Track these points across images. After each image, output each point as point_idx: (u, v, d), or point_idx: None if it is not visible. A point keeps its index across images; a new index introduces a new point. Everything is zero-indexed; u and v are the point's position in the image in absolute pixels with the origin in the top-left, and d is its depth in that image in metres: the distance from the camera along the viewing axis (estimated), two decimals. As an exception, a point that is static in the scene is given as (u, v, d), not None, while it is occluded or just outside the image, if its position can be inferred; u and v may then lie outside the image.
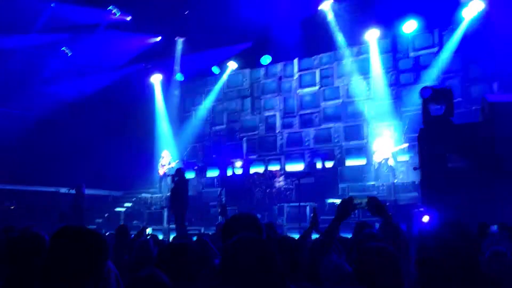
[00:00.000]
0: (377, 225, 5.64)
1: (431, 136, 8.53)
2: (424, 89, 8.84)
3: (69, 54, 16.75)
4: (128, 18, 16.15)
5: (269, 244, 1.95)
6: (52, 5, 14.73)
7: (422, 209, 8.00)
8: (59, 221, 10.80)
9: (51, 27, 15.17)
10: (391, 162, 12.42)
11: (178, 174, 11.64)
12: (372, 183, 12.63)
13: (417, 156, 9.66)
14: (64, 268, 1.93)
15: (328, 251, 3.23)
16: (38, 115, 15.13)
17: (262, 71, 17.04)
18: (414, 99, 12.88)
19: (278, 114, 16.29)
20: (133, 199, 15.78)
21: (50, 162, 14.33)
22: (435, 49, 13.73)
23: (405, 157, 13.04)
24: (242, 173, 14.97)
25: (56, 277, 1.92)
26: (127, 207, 15.62)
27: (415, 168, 9.15)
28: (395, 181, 12.09)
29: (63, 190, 13.73)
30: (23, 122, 14.94)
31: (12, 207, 13.32)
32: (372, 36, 14.42)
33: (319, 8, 14.92)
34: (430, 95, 8.61)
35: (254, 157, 16.15)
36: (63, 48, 16.61)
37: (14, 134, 14.16)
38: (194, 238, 6.55)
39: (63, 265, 1.93)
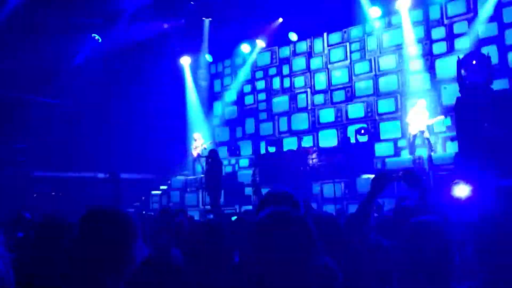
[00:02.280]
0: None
1: (468, 105, 8.26)
2: (464, 56, 8.53)
3: (100, 41, 16.93)
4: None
5: (304, 218, 1.88)
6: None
7: (457, 181, 7.79)
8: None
9: (79, 13, 15.31)
10: (426, 135, 12.10)
11: (211, 155, 11.70)
12: (408, 156, 12.38)
13: (454, 127, 9.40)
14: (92, 249, 1.92)
15: (363, 228, 3.12)
16: (72, 103, 15.41)
17: (290, 48, 16.81)
18: (449, 69, 12.47)
19: (309, 91, 16.10)
20: (168, 182, 15.98)
21: (86, 149, 14.63)
22: (470, 15, 13.18)
23: (441, 128, 12.73)
24: (275, 151, 14.93)
25: (85, 259, 1.91)
26: (163, 190, 15.85)
27: (452, 139, 8.91)
28: (432, 153, 11.80)
29: (101, 175, 14.04)
30: (58, 110, 15.26)
31: (53, 193, 13.68)
32: (403, 5, 13.95)
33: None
34: (468, 63, 8.30)
35: (287, 135, 16.11)
36: (93, 35, 16.79)
37: (50, 122, 14.49)
38: (233, 218, 6.57)
39: (91, 246, 1.93)
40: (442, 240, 2.35)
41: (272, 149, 15.12)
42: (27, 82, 14.45)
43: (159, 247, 4.08)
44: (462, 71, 8.68)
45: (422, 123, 12.07)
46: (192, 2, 16.27)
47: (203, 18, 17.34)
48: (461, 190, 6.48)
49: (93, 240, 1.95)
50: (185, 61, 18.20)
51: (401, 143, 13.44)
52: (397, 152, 13.39)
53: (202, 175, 14.07)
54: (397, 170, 4.47)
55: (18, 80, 14.38)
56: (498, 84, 10.04)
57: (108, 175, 13.39)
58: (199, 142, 15.70)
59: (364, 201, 3.04)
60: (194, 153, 15.70)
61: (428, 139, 12.07)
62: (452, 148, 11.60)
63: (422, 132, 12.10)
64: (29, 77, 14.33)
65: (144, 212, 11.67)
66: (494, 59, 11.10)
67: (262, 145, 16.20)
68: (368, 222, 3.19)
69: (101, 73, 16.25)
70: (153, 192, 15.78)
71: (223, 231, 3.24)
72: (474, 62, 8.94)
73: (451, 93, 11.82)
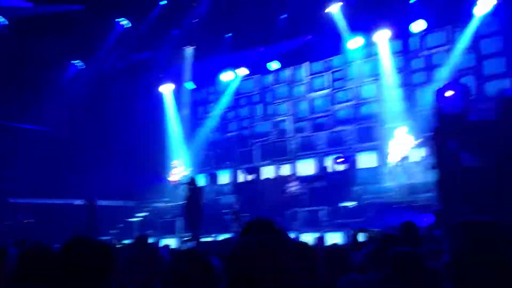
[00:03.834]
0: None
1: (446, 134, 8.38)
2: (442, 87, 8.69)
3: (83, 67, 16.88)
4: (135, 29, 16.20)
5: (274, 245, 1.86)
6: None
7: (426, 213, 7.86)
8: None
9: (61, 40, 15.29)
10: (409, 162, 12.19)
11: (192, 182, 11.59)
12: (388, 184, 12.44)
13: (432, 156, 9.50)
14: (73, 277, 1.93)
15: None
16: (51, 129, 15.23)
17: (272, 76, 16.96)
18: (427, 99, 12.69)
19: (289, 119, 16.19)
20: (146, 209, 15.74)
21: (63, 175, 14.40)
22: (447, 47, 13.52)
23: (419, 157, 12.86)
24: (254, 179, 14.88)
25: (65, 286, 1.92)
26: (141, 217, 15.59)
27: (433, 167, 8.98)
28: (411, 181, 11.89)
29: (77, 202, 13.78)
30: (36, 136, 15.05)
31: (25, 221, 13.35)
32: (383, 36, 14.27)
33: (327, 11, 14.80)
34: (446, 93, 8.46)
35: (266, 162, 16.10)
36: (76, 61, 16.75)
37: (27, 148, 14.26)
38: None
39: (72, 274, 1.94)
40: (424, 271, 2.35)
41: (250, 177, 15.08)
42: (5, 108, 14.29)
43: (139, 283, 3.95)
44: (440, 101, 8.83)
45: (405, 150, 12.16)
46: (174, 31, 16.39)
47: (186, 46, 17.45)
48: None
49: (72, 268, 1.96)
50: (167, 88, 18.20)
51: (381, 171, 13.51)
52: (376, 180, 13.44)
53: (181, 202, 13.90)
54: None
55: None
56: (475, 114, 10.22)
57: (85, 202, 13.26)
58: (179, 169, 15.59)
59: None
60: (174, 180, 15.54)
61: (407, 167, 12.15)
62: (429, 176, 11.68)
63: (404, 158, 12.18)
64: (9, 103, 14.21)
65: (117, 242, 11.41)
66: (472, 89, 11.35)
67: (241, 172, 16.14)
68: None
69: (81, 100, 16.17)
70: (131, 219, 15.49)
71: (210, 262, 3.15)
72: (451, 92, 9.12)
73: (429, 122, 12.01)
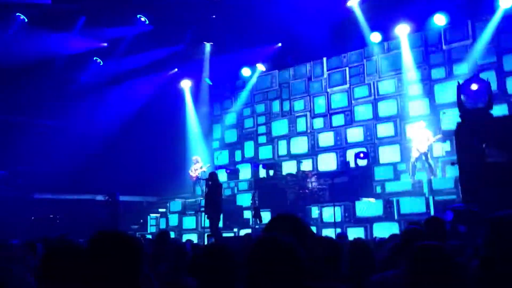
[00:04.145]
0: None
1: (469, 130, 8.30)
2: (464, 82, 8.61)
3: (101, 64, 17.10)
4: (153, 26, 16.32)
5: (292, 245, 1.91)
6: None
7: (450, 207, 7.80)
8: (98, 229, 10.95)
9: (82, 38, 15.52)
10: (429, 157, 12.08)
11: (211, 178, 11.67)
12: (409, 180, 12.37)
13: (454, 151, 9.43)
14: (101, 273, 1.92)
15: None
16: (73, 126, 15.47)
17: (290, 72, 16.95)
18: (447, 94, 12.58)
19: (308, 114, 16.17)
20: (167, 204, 15.91)
21: (86, 171, 14.61)
22: (469, 41, 13.34)
23: (441, 153, 12.75)
24: (274, 175, 14.92)
25: (94, 282, 1.90)
26: (162, 213, 15.76)
27: (452, 163, 8.92)
28: (432, 177, 11.81)
29: (99, 197, 13.98)
30: (59, 133, 15.30)
31: (51, 216, 13.60)
32: (402, 31, 14.13)
33: (347, 4, 14.71)
34: (467, 88, 8.38)
35: (286, 157, 16.13)
36: (95, 58, 16.97)
37: (50, 145, 14.51)
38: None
39: (100, 269, 1.93)
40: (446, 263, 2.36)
41: (271, 173, 15.11)
42: (30, 105, 14.58)
43: (160, 275, 4.02)
44: (462, 97, 8.76)
45: (424, 145, 12.06)
46: (193, 27, 16.45)
47: (204, 42, 17.52)
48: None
49: (102, 264, 1.94)
50: (186, 84, 18.32)
51: (401, 167, 13.44)
52: (396, 176, 13.38)
53: (201, 198, 14.01)
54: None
55: (21, 104, 14.51)
56: (497, 110, 10.10)
57: (107, 197, 13.45)
58: (198, 165, 15.69)
59: None
60: (193, 176, 15.65)
61: (429, 162, 12.06)
62: (451, 172, 11.58)
63: (425, 154, 12.08)
64: (32, 100, 14.47)
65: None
66: (493, 85, 11.20)
67: (261, 168, 16.17)
68: None
69: (102, 97, 16.37)
70: (152, 214, 15.67)
71: (232, 257, 3.19)
72: (473, 87, 9.03)
73: (449, 118, 11.91)
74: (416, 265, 2.39)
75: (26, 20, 14.56)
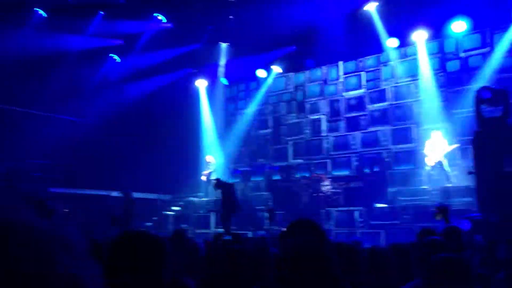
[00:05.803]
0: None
1: (486, 139, 8.26)
2: (481, 90, 8.55)
3: (118, 61, 17.27)
4: (171, 25, 16.46)
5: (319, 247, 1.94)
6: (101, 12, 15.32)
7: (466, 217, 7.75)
8: (111, 225, 11.09)
9: (99, 34, 15.72)
10: (445, 165, 11.99)
11: (217, 185, 11.80)
12: (424, 187, 12.29)
13: (470, 160, 9.37)
14: (127, 273, 1.92)
15: None
16: (90, 121, 15.64)
17: (306, 74, 16.96)
18: (464, 101, 12.51)
19: (323, 118, 16.15)
20: (181, 203, 16.01)
21: (101, 167, 14.76)
22: (486, 50, 13.25)
23: (456, 161, 12.66)
24: (288, 177, 14.93)
25: (119, 282, 1.90)
26: (175, 211, 15.86)
27: (469, 173, 8.86)
28: (449, 185, 11.72)
29: (114, 193, 14.12)
30: (76, 128, 15.48)
31: (66, 210, 13.74)
32: (420, 37, 14.08)
33: (364, 9, 14.70)
34: (486, 96, 8.33)
35: (300, 160, 16.12)
36: (112, 55, 17.15)
37: (67, 140, 14.67)
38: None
39: (126, 269, 1.93)
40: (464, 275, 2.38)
41: (284, 175, 15.14)
42: (48, 100, 14.75)
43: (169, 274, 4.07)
44: (480, 105, 8.70)
45: (439, 153, 11.98)
46: (210, 27, 16.56)
47: (221, 43, 17.61)
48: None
49: (127, 263, 1.95)
50: (201, 84, 18.41)
51: (416, 173, 13.37)
52: (411, 182, 13.30)
53: (215, 198, 14.09)
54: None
55: (39, 98, 14.70)
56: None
57: (122, 194, 13.57)
58: (210, 166, 15.76)
59: None
60: (204, 177, 15.73)
61: (445, 170, 11.97)
62: (467, 181, 11.49)
63: (440, 162, 12.00)
64: (50, 95, 14.64)
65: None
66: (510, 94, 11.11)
67: (275, 170, 16.20)
68: None
69: (118, 94, 16.52)
70: (165, 212, 15.78)
71: (245, 259, 3.24)
72: (491, 95, 8.96)
73: (466, 126, 11.82)
74: (436, 277, 2.41)
75: (45, 15, 14.78)
